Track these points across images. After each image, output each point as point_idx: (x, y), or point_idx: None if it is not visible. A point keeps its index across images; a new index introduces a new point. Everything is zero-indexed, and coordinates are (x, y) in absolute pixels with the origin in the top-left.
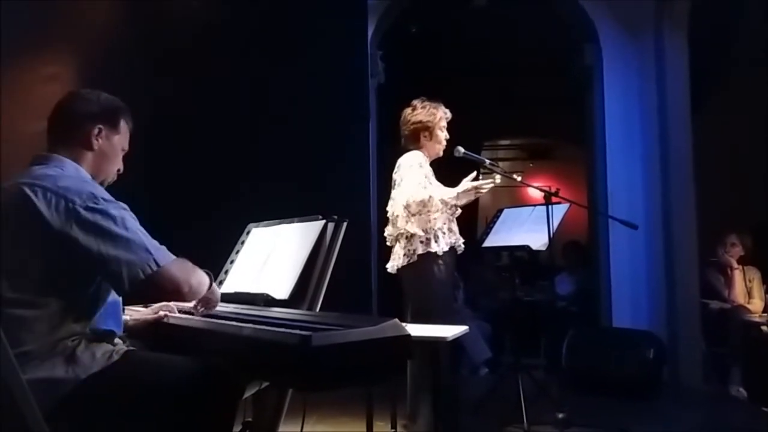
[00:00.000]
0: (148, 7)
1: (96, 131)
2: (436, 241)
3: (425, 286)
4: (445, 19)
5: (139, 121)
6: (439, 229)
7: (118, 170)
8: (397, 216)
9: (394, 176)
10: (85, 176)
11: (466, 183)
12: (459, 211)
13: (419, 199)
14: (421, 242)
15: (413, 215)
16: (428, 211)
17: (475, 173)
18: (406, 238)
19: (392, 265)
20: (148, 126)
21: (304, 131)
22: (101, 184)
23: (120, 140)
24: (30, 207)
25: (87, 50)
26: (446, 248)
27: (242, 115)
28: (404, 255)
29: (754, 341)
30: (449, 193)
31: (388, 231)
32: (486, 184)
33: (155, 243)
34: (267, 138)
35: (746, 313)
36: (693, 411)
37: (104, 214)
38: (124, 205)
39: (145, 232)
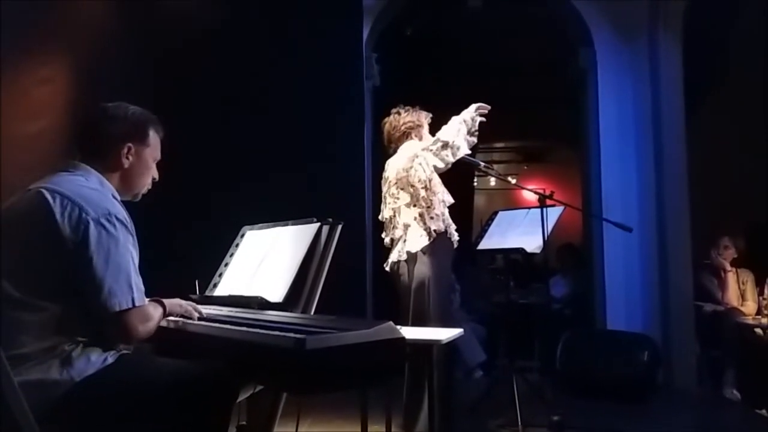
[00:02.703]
0: (144, 8)
1: (125, 150)
2: (440, 219)
3: (443, 264)
4: (441, 21)
5: None
6: (440, 202)
7: (153, 178)
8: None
9: (386, 174)
10: (107, 190)
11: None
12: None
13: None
14: (432, 218)
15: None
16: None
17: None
18: (417, 218)
19: (410, 248)
20: None
21: (299, 134)
22: (135, 196)
23: (151, 152)
24: (45, 211)
25: (83, 51)
26: (447, 226)
27: (237, 117)
28: (423, 234)
29: (747, 343)
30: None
31: (402, 220)
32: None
33: (139, 281)
34: (261, 140)
35: (739, 316)
36: (687, 413)
37: (111, 234)
38: (132, 229)
39: (135, 266)
